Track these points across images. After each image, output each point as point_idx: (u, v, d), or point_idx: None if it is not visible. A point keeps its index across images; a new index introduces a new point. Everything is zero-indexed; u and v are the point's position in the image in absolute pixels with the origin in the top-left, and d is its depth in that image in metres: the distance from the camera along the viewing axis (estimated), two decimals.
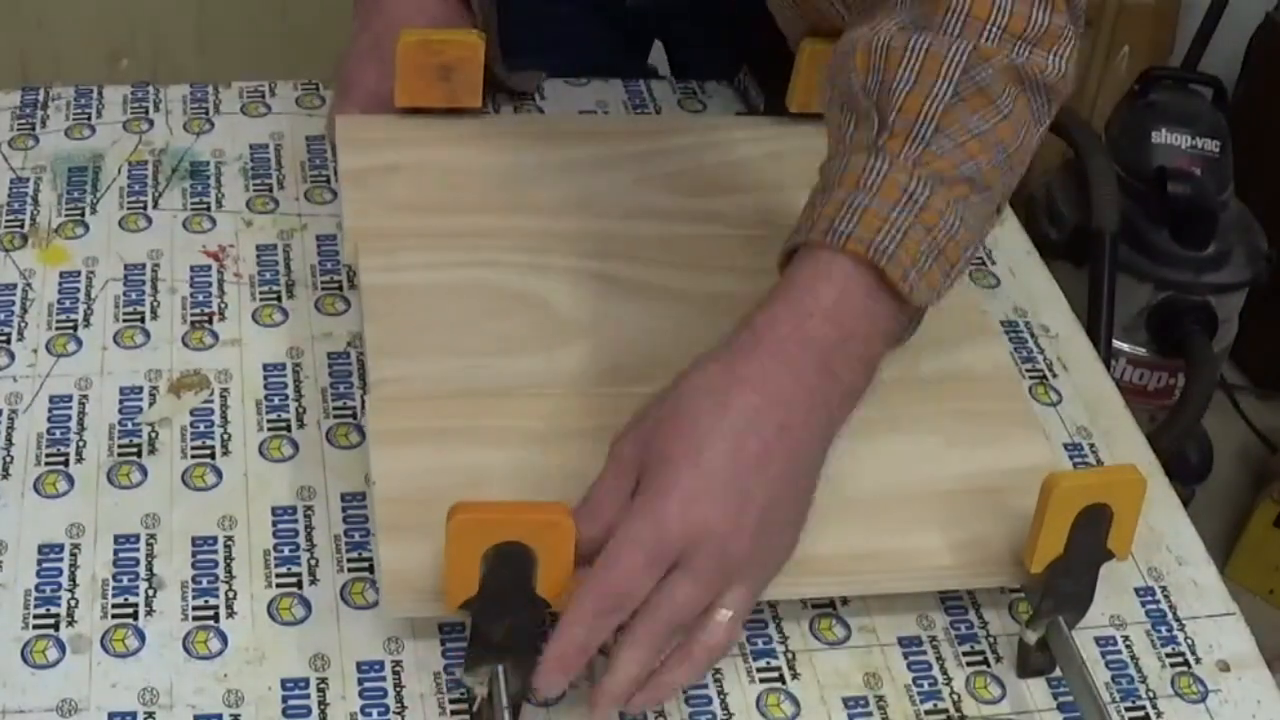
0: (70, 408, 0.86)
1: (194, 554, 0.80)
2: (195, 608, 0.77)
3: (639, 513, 0.68)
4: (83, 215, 0.99)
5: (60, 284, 0.94)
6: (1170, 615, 0.84)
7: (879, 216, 0.73)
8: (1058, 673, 0.79)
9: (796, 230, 0.76)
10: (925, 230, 0.73)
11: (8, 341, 0.90)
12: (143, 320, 0.92)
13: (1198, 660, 0.82)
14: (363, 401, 0.88)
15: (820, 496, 0.78)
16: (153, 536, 0.80)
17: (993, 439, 0.86)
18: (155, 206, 1.01)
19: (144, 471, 0.83)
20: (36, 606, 0.76)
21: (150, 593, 0.78)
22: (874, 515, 0.81)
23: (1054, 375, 0.98)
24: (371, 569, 0.80)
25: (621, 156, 1.03)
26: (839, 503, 0.80)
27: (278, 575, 0.79)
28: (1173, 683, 0.81)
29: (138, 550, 0.79)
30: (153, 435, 0.85)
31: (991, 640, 0.81)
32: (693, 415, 0.70)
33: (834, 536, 0.79)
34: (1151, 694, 0.80)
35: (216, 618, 0.77)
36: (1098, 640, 0.82)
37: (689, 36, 1.24)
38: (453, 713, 0.74)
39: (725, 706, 0.76)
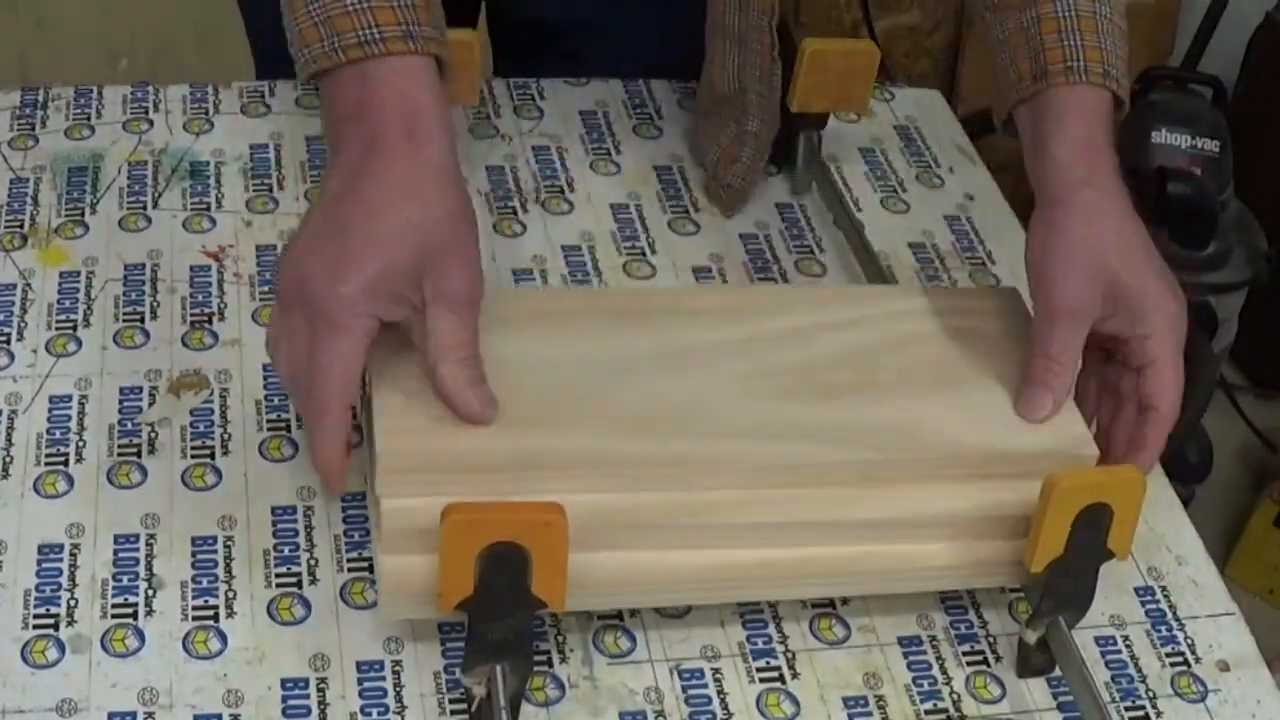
0: (70, 408, 0.86)
1: (194, 554, 0.80)
2: (195, 608, 0.77)
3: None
4: (82, 215, 0.99)
5: (60, 284, 0.94)
6: (1170, 615, 0.84)
7: (1101, 48, 0.86)
8: (1058, 673, 0.79)
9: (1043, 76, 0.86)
10: (1122, 40, 0.87)
11: (8, 341, 0.90)
12: (142, 320, 0.92)
13: (1197, 660, 0.82)
14: (362, 400, 0.88)
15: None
16: (153, 536, 0.80)
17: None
18: (155, 206, 1.01)
19: (144, 471, 0.83)
20: (36, 606, 0.76)
21: (150, 593, 0.78)
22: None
23: None
24: (371, 569, 0.80)
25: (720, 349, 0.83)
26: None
27: (277, 575, 0.79)
28: (1172, 682, 0.81)
29: (137, 550, 0.79)
30: (152, 435, 0.85)
31: (991, 640, 0.81)
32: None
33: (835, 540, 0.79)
34: (1151, 694, 0.80)
35: (216, 618, 0.77)
36: (1098, 640, 0.82)
37: None
38: (453, 713, 0.74)
39: (725, 706, 0.76)
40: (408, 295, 0.73)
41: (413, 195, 0.73)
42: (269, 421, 0.87)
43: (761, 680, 0.78)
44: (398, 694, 0.75)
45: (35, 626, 0.75)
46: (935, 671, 0.79)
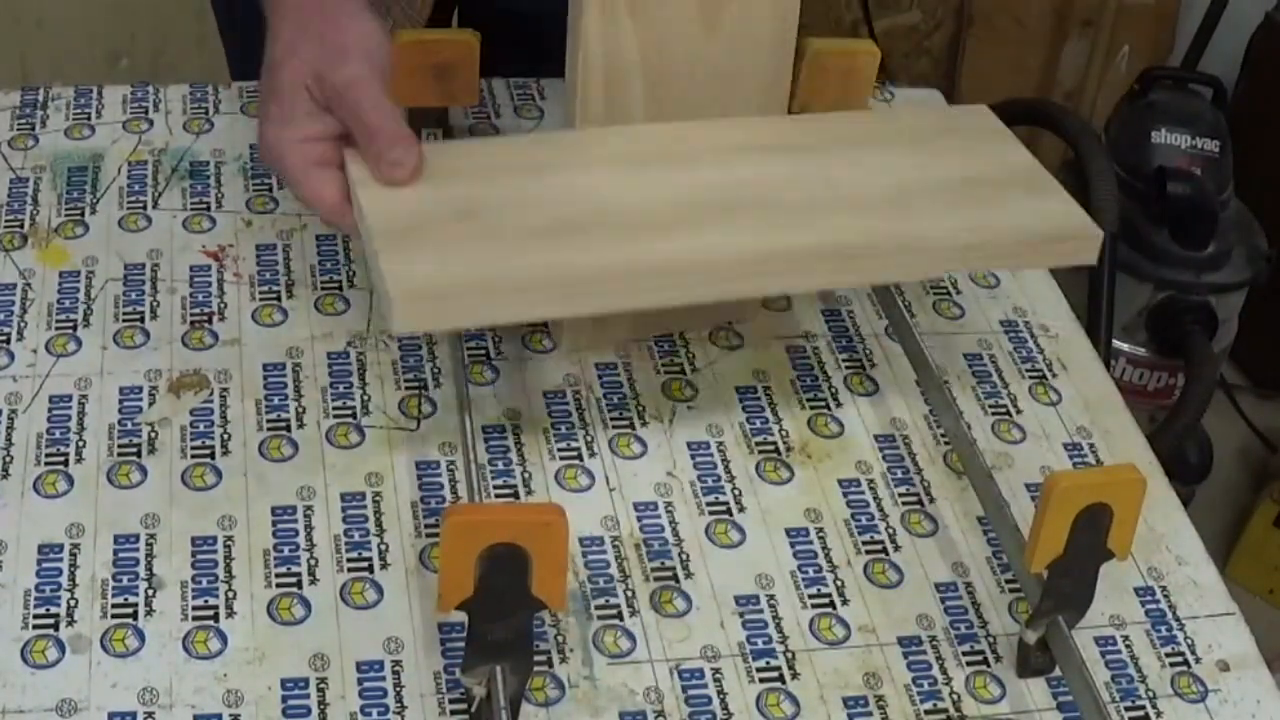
0: (70, 408, 0.86)
1: (194, 554, 0.80)
2: (195, 608, 0.77)
3: None
4: (82, 215, 0.99)
5: (60, 284, 0.94)
6: (1170, 615, 0.84)
7: None
8: (1058, 673, 0.79)
9: None
10: None
11: (7, 341, 0.90)
12: (142, 320, 0.92)
13: (1197, 660, 0.82)
14: (362, 401, 0.88)
15: (816, 198, 0.84)
16: (152, 536, 0.80)
17: (974, 149, 0.89)
18: (155, 206, 1.01)
19: (144, 471, 0.84)
20: (36, 606, 0.76)
21: (150, 593, 0.78)
22: (871, 210, 0.84)
23: (1054, 375, 0.98)
24: (371, 569, 0.80)
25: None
26: (835, 201, 0.84)
27: (277, 575, 0.79)
28: (1172, 682, 0.81)
29: (137, 550, 0.79)
30: (152, 435, 0.85)
31: (991, 640, 0.81)
32: None
33: (833, 230, 0.82)
34: (1151, 694, 0.80)
35: (216, 618, 0.77)
36: (1098, 640, 0.82)
37: None
38: (453, 713, 0.74)
39: (725, 706, 0.76)
40: (317, 101, 0.84)
41: (305, 32, 0.86)
42: (269, 421, 0.87)
43: (761, 680, 0.78)
44: (398, 694, 0.75)
45: (35, 626, 0.75)
46: (935, 671, 0.79)
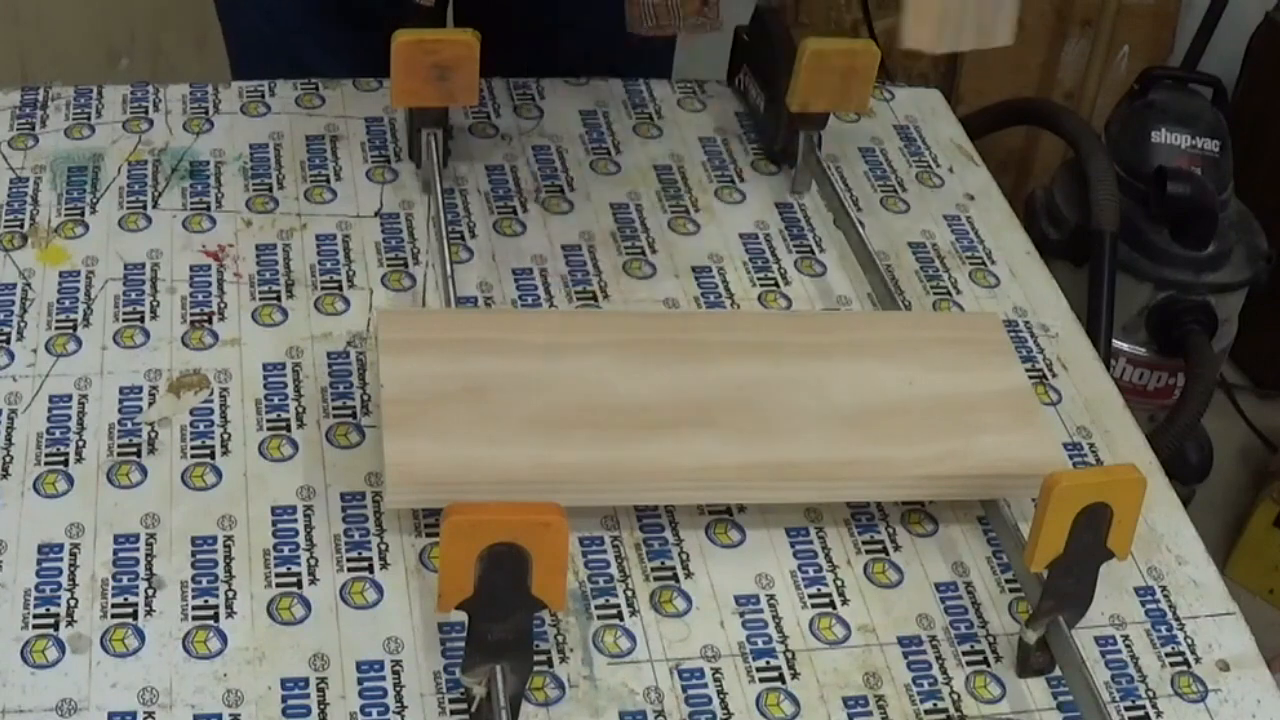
0: (70, 407, 0.86)
1: (194, 554, 0.80)
2: (195, 607, 0.77)
3: None
4: (82, 215, 0.99)
5: (60, 284, 0.94)
6: (1170, 615, 0.84)
7: None
8: (1058, 672, 0.79)
9: None
10: None
11: (7, 341, 0.90)
12: (142, 320, 0.92)
13: (1197, 660, 0.82)
14: (362, 401, 0.88)
15: (802, 408, 0.85)
16: (152, 536, 0.80)
17: (970, 365, 0.90)
18: (155, 206, 1.01)
19: (144, 471, 0.83)
20: (36, 606, 0.76)
21: (150, 592, 0.78)
22: (853, 427, 0.85)
23: (1054, 375, 0.98)
24: (371, 569, 0.80)
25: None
26: (820, 414, 0.85)
27: (277, 575, 0.79)
28: (1172, 682, 0.81)
29: (137, 550, 0.79)
30: (152, 435, 0.85)
31: (991, 640, 0.81)
32: None
33: (814, 445, 0.83)
34: (1151, 693, 0.80)
35: (216, 617, 0.77)
36: (1098, 640, 0.82)
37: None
38: (453, 713, 0.74)
39: (725, 706, 0.76)
40: None
41: None
42: (269, 421, 0.87)
43: (761, 680, 0.78)
44: (398, 694, 0.75)
45: (35, 626, 0.75)
46: (935, 671, 0.79)
